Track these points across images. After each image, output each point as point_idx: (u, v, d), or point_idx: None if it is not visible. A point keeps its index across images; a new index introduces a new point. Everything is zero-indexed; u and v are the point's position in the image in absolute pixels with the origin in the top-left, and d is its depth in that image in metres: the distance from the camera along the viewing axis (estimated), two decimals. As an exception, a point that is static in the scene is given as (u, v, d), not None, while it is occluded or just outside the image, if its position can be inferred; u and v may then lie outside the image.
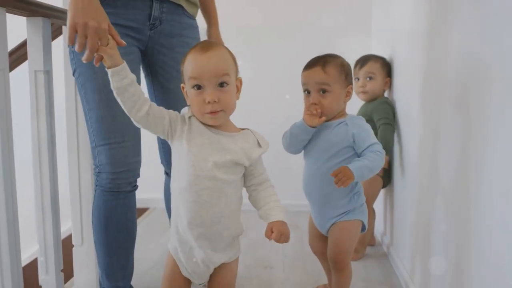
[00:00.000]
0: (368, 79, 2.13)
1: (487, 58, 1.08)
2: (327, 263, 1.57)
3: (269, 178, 1.24)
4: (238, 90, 1.19)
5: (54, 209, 1.45)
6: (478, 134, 1.12)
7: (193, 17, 1.50)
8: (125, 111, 1.12)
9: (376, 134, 2.04)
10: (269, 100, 2.88)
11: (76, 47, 1.07)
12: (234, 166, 1.16)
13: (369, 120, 2.08)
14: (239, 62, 1.24)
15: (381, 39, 2.57)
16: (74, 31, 1.06)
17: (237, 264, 1.24)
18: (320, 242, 1.57)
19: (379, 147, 1.40)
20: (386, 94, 2.22)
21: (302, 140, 1.47)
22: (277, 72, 2.90)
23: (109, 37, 1.09)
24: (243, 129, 1.21)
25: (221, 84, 1.12)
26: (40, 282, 1.73)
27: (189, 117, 1.17)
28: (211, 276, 1.22)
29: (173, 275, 1.22)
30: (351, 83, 1.48)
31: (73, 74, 1.37)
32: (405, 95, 1.97)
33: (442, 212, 1.39)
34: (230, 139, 1.16)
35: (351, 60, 2.25)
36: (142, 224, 2.58)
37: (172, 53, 1.42)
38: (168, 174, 1.60)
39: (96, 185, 1.40)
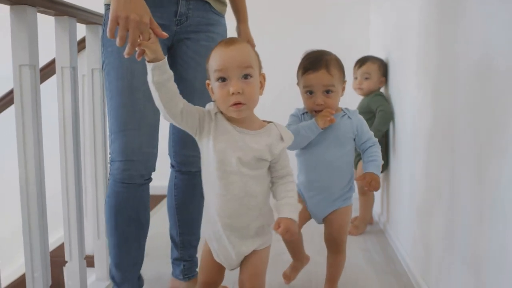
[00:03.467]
0: (364, 78, 2.40)
1: (465, 58, 1.28)
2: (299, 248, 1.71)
3: (292, 173, 1.25)
4: (262, 85, 1.20)
5: (78, 204, 1.58)
6: (462, 125, 1.29)
7: (221, 14, 1.47)
8: (161, 106, 1.12)
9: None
10: (265, 96, 3.02)
11: (117, 41, 1.05)
12: (258, 162, 1.17)
13: (368, 111, 2.35)
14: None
15: (379, 41, 2.78)
16: (115, 24, 1.05)
17: (268, 252, 1.26)
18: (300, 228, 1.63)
19: (374, 138, 1.55)
20: (382, 90, 2.48)
21: (310, 139, 1.50)
22: (275, 73, 3.05)
23: (150, 31, 1.08)
24: (267, 121, 1.23)
25: (245, 76, 1.13)
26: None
27: (215, 113, 1.18)
28: (241, 263, 1.25)
29: (208, 259, 1.26)
30: (345, 79, 1.54)
31: (102, 67, 1.36)
32: (399, 90, 2.20)
33: (431, 194, 1.59)
34: (254, 138, 1.17)
35: (351, 61, 2.51)
36: (163, 210, 2.80)
37: (196, 45, 1.41)
38: (174, 167, 1.61)
39: (110, 174, 1.38)
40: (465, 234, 1.27)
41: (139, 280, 1.48)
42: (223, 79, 1.13)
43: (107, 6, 1.32)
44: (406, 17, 2.02)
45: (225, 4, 1.50)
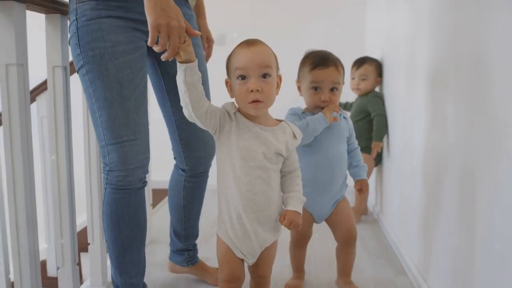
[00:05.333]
0: (362, 79, 2.54)
1: (459, 57, 1.35)
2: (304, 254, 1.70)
3: (299, 168, 1.31)
4: (278, 86, 1.23)
5: (100, 191, 1.68)
6: (453, 122, 1.38)
7: (191, 8, 1.47)
8: (189, 106, 1.14)
9: (372, 124, 2.44)
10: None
11: (158, 48, 1.07)
12: (277, 156, 1.23)
13: (364, 111, 2.51)
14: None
15: (374, 41, 2.91)
16: (157, 32, 1.06)
17: (277, 242, 1.33)
18: (310, 232, 1.67)
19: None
20: (377, 89, 2.63)
21: (317, 133, 1.51)
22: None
23: (185, 33, 1.10)
24: (279, 120, 1.28)
25: (264, 75, 1.17)
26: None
27: (234, 113, 1.21)
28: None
29: (229, 257, 1.25)
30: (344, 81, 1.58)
31: (78, 71, 1.28)
32: (392, 89, 2.33)
33: (420, 185, 1.71)
34: (272, 134, 1.22)
35: (347, 60, 2.63)
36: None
37: None
38: (185, 171, 1.61)
39: (106, 184, 1.34)
40: (449, 222, 1.41)
41: (144, 287, 1.47)
42: (243, 77, 1.17)
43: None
44: (401, 18, 2.14)
45: None
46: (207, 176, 1.68)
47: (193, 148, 1.56)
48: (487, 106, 1.14)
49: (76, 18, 1.23)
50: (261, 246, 1.27)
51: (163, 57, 1.09)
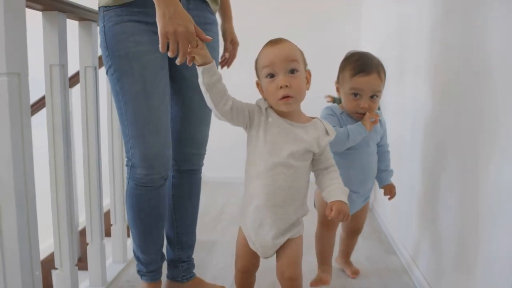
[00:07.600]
0: None
1: (454, 56, 1.39)
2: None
3: (334, 163, 1.29)
4: (308, 81, 1.23)
5: (122, 177, 1.90)
6: (437, 110, 1.49)
7: (214, 13, 1.47)
8: (212, 106, 1.18)
9: None
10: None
11: (170, 53, 1.13)
12: (305, 153, 1.22)
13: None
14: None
15: (369, 40, 3.00)
16: (166, 39, 1.11)
17: (302, 241, 1.30)
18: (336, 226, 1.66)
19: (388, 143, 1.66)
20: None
21: (357, 142, 1.50)
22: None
23: (196, 38, 1.14)
24: (312, 117, 1.28)
25: (292, 71, 1.18)
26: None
27: (266, 108, 1.23)
28: (277, 252, 1.29)
29: (244, 247, 1.31)
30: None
31: (107, 72, 1.34)
32: (387, 85, 2.42)
33: (411, 176, 1.83)
34: (303, 130, 1.22)
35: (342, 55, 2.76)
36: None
37: None
38: (172, 165, 1.51)
39: (129, 177, 1.39)
40: (438, 208, 1.52)
41: (162, 257, 1.53)
42: (271, 75, 1.19)
43: (105, 8, 1.31)
44: (396, 17, 2.26)
45: (218, 3, 1.50)
46: (198, 177, 1.58)
47: (182, 143, 1.51)
48: (479, 100, 1.18)
49: (103, 25, 1.32)
50: (274, 241, 1.26)
51: (177, 62, 1.15)
